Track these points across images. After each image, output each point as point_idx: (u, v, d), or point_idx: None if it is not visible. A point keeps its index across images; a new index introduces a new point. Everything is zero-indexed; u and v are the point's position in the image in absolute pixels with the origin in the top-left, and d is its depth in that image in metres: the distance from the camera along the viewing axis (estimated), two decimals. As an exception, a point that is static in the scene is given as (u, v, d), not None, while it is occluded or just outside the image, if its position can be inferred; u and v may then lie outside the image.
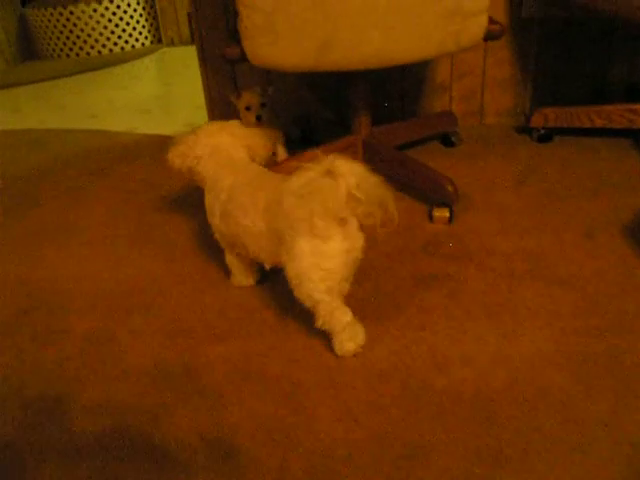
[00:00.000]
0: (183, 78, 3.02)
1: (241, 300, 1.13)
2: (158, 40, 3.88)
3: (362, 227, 0.91)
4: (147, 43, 3.83)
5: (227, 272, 1.18)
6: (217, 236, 1.12)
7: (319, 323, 0.92)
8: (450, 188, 1.31)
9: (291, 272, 0.91)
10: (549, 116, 1.72)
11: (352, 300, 1.08)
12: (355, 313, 0.94)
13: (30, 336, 1.08)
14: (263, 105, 1.60)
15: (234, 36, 1.28)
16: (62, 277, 1.26)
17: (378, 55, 1.20)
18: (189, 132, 1.14)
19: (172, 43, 3.86)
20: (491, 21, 1.23)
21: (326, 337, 0.97)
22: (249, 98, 1.61)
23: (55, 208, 1.60)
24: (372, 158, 1.53)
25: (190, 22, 3.76)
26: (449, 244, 1.25)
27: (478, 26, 1.20)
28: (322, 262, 0.87)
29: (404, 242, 1.27)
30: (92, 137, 2.19)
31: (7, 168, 1.95)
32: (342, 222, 0.87)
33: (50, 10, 3.57)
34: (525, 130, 1.82)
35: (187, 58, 3.53)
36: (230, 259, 1.14)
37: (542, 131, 1.74)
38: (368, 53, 1.19)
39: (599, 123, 1.68)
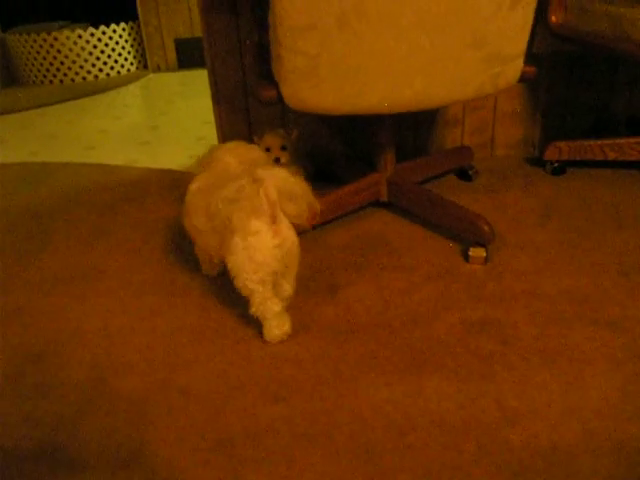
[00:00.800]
0: (177, 107, 2.97)
1: (290, 352, 1.09)
2: (144, 66, 3.83)
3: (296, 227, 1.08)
4: (132, 69, 3.77)
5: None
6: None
7: (252, 310, 1.09)
8: (486, 228, 1.31)
9: (229, 265, 1.07)
10: (563, 149, 1.75)
11: (406, 348, 1.06)
12: (411, 362, 0.92)
13: (77, 405, 1.02)
14: (283, 148, 1.59)
15: (267, 77, 1.26)
16: (89, 332, 1.20)
17: (417, 99, 1.19)
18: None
19: (158, 69, 3.81)
20: (525, 63, 1.25)
21: (392, 392, 0.95)
22: (270, 139, 1.59)
23: (69, 251, 1.53)
24: (397, 196, 1.52)
25: (177, 49, 3.72)
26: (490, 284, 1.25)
27: (515, 69, 1.21)
28: (254, 255, 1.03)
29: (445, 285, 1.26)
30: (93, 171, 2.12)
31: (9, 205, 1.87)
32: (272, 220, 1.02)
33: (33, 36, 3.48)
34: (538, 162, 1.85)
35: (175, 85, 3.48)
36: (197, 250, 1.32)
37: (556, 164, 1.77)
38: (408, 97, 1.19)
39: (612, 156, 1.72)
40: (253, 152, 1.24)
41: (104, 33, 3.55)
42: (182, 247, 1.50)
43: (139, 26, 3.70)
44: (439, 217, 1.42)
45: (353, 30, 1.07)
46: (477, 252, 1.33)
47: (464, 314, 1.16)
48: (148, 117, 2.84)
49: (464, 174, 1.77)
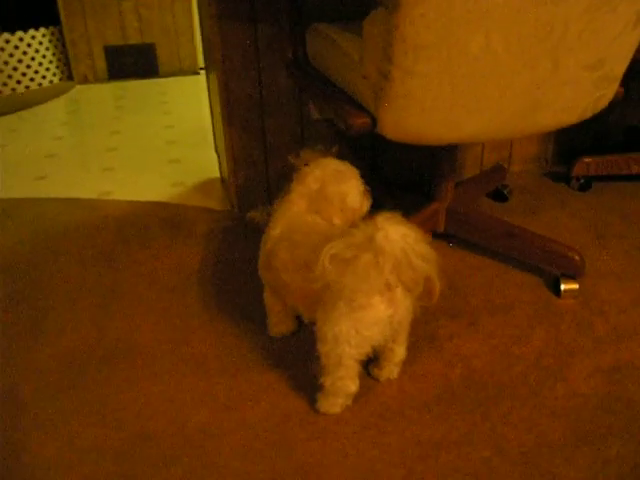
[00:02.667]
0: (128, 125, 2.62)
1: (436, 434, 0.92)
2: (68, 77, 3.38)
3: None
4: (55, 80, 3.31)
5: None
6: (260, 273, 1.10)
7: (327, 383, 0.92)
8: (577, 258, 1.23)
9: (327, 332, 0.89)
10: (591, 165, 1.72)
11: (565, 412, 0.92)
12: (583, 433, 0.79)
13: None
14: None
15: (350, 103, 1.08)
16: (166, 438, 0.94)
17: (524, 125, 1.07)
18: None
19: (85, 80, 3.38)
20: (615, 84, 1.17)
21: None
22: (309, 156, 1.39)
23: (80, 323, 1.22)
24: (458, 226, 1.39)
25: (107, 57, 3.33)
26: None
27: (613, 90, 1.13)
28: (361, 329, 0.87)
29: (554, 327, 1.15)
30: (64, 208, 1.77)
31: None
32: (387, 288, 0.85)
33: None
34: (559, 178, 1.82)
35: (110, 98, 3.10)
36: (270, 302, 1.11)
37: (582, 180, 1.75)
38: (514, 124, 1.06)
39: (636, 170, 1.73)
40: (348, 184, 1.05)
41: (21, 40, 3.07)
42: (219, 302, 1.26)
43: (61, 32, 3.25)
44: (517, 248, 1.31)
45: (483, 52, 0.92)
46: (569, 285, 1.23)
47: (594, 361, 1.06)
48: (98, 137, 2.47)
49: (499, 194, 1.68)
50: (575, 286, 1.23)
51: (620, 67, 1.08)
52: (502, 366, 1.05)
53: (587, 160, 1.72)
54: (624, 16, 0.96)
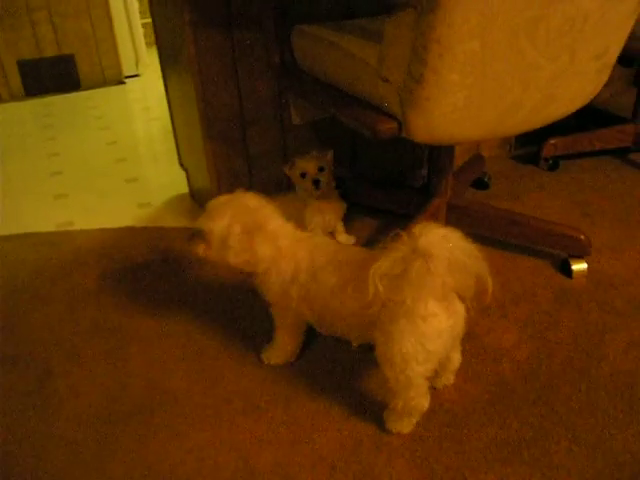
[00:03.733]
0: (65, 145, 2.41)
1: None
2: (-22, 96, 3.06)
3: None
4: (-36, 101, 2.99)
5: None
6: (279, 312, 1.04)
7: (399, 405, 0.89)
8: (583, 237, 1.27)
9: (394, 354, 0.85)
10: (558, 145, 1.80)
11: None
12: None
13: None
14: (321, 169, 1.34)
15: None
16: (222, 476, 0.87)
17: (539, 117, 1.09)
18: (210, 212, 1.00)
19: (0, 99, 3.08)
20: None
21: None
22: (304, 164, 1.34)
23: (93, 371, 1.11)
24: (460, 220, 1.40)
25: (22, 73, 3.04)
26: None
27: (607, 76, 1.18)
28: (426, 343, 0.84)
29: (578, 308, 1.19)
30: (22, 247, 1.59)
31: None
32: (444, 298, 0.84)
33: None
34: (527, 160, 1.89)
35: (32, 117, 2.84)
36: (283, 338, 1.06)
37: (551, 160, 1.82)
38: (536, 116, 1.08)
39: (598, 146, 1.83)
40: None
41: None
42: (239, 331, 1.19)
43: (-35, 48, 2.93)
44: (522, 235, 1.34)
45: (513, 51, 0.92)
46: (579, 265, 1.28)
47: (625, 335, 1.11)
48: (35, 161, 2.25)
49: (480, 182, 1.72)
50: (584, 265, 1.28)
51: (617, 53, 1.12)
52: (545, 353, 1.07)
53: (553, 141, 1.80)
54: (629, 4, 0.99)
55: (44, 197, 1.92)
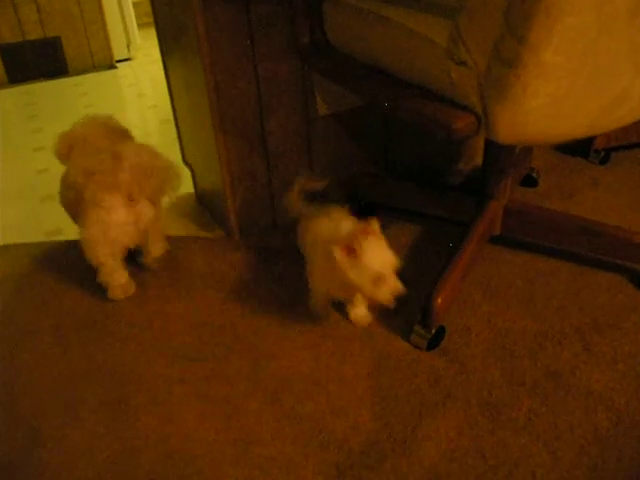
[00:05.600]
0: (52, 137, 2.18)
1: None
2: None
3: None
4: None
5: None
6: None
7: (100, 279, 1.15)
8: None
9: (81, 237, 1.10)
10: (611, 136, 1.60)
11: None
12: None
13: None
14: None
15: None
16: None
17: (621, 115, 0.88)
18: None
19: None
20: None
21: None
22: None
23: (89, 430, 0.90)
24: (520, 227, 1.20)
25: (4, 58, 2.78)
26: None
27: None
28: (107, 231, 1.07)
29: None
30: (8, 261, 1.37)
31: None
32: (128, 197, 1.06)
33: None
34: (574, 152, 1.68)
35: (17, 107, 2.59)
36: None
37: (602, 152, 1.62)
38: (618, 114, 0.87)
39: (650, 136, 1.63)
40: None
41: None
42: (266, 368, 0.98)
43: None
44: (596, 246, 1.14)
45: (626, 27, 0.71)
46: (663, 281, 1.09)
47: None
48: (18, 156, 2.01)
49: (528, 179, 1.51)
50: (672, 281, 1.09)
51: None
52: None
53: (608, 132, 1.59)
54: None
55: (30, 200, 1.69)
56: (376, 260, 0.88)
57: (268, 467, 0.81)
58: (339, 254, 0.87)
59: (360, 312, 1.06)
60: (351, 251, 0.87)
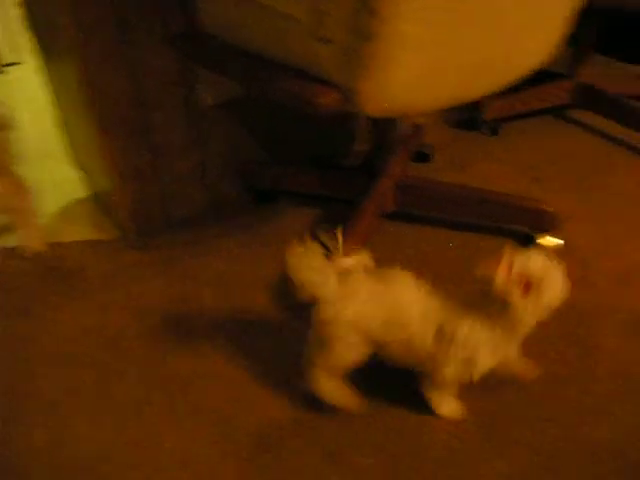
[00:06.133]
0: None
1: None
2: None
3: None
4: None
5: None
6: None
7: None
8: (551, 210, 1.14)
9: None
10: (503, 107, 1.68)
11: None
12: None
13: None
14: None
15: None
16: None
17: (517, 70, 0.92)
18: None
19: None
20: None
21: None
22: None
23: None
24: (412, 202, 1.24)
25: None
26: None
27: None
28: None
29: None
30: None
31: None
32: None
33: None
34: (465, 125, 1.74)
35: None
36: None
37: (492, 124, 1.69)
38: (518, 70, 0.91)
39: (536, 105, 1.73)
40: None
41: None
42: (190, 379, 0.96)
43: None
44: (481, 214, 1.19)
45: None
46: (550, 241, 1.15)
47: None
48: None
49: (420, 155, 1.55)
50: (557, 241, 1.16)
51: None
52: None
53: (496, 103, 1.67)
54: None
55: None
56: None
57: (169, 465, 0.79)
58: (517, 296, 0.67)
59: (452, 403, 0.84)
60: (527, 287, 0.68)
